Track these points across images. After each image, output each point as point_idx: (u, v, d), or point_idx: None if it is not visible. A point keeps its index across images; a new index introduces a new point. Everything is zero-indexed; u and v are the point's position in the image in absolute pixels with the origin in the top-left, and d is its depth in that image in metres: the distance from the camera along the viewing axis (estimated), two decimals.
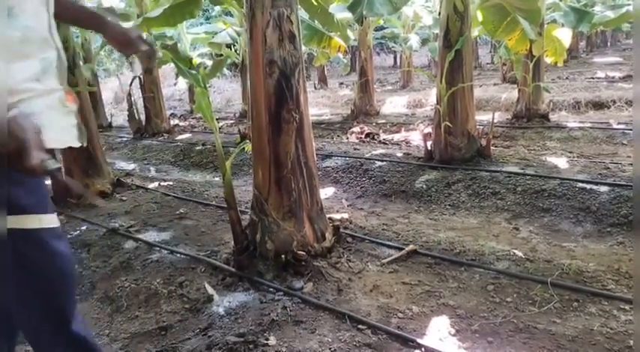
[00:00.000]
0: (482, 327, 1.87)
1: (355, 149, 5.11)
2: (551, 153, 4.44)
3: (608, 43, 18.42)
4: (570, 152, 4.46)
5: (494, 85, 8.83)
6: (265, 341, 1.81)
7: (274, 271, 2.32)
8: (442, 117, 4.07)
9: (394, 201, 3.72)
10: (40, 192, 1.17)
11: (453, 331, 1.86)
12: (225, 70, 11.70)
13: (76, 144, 1.23)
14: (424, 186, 3.77)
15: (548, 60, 5.81)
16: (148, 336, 1.96)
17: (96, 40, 7.95)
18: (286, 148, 2.42)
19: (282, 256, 2.31)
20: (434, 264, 2.45)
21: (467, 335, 1.83)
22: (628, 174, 3.42)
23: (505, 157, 4.16)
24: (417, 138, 5.50)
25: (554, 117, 5.62)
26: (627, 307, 1.96)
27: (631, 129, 4.89)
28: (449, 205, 3.48)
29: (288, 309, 2.01)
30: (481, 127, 5.37)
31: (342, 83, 13.87)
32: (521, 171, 3.69)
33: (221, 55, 9.15)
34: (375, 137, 5.88)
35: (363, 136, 5.93)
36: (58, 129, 1.18)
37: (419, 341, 1.78)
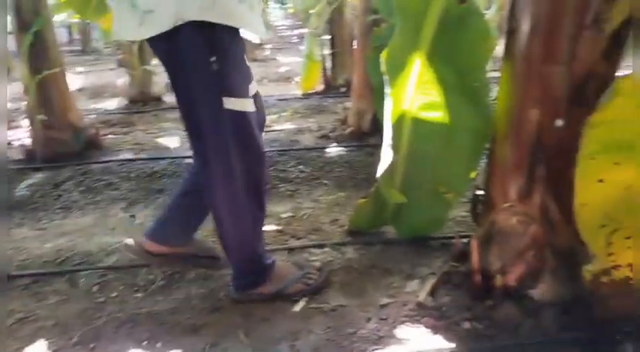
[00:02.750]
0: (83, 335, 1.74)
1: None
2: (167, 133, 4.64)
3: None
4: (184, 130, 4.79)
5: (111, 69, 8.49)
6: None
7: None
8: (33, 110, 3.55)
9: None
10: None
11: None
12: None
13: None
14: (28, 193, 3.24)
15: None
16: None
17: None
18: None
19: None
20: (31, 284, 2.11)
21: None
22: None
23: (120, 144, 4.06)
24: (23, 136, 4.68)
25: (168, 99, 5.86)
26: None
27: None
28: (59, 208, 3.11)
29: None
30: (95, 116, 5.06)
31: None
32: (135, 156, 3.69)
33: None
34: None
35: None
36: None
37: None
